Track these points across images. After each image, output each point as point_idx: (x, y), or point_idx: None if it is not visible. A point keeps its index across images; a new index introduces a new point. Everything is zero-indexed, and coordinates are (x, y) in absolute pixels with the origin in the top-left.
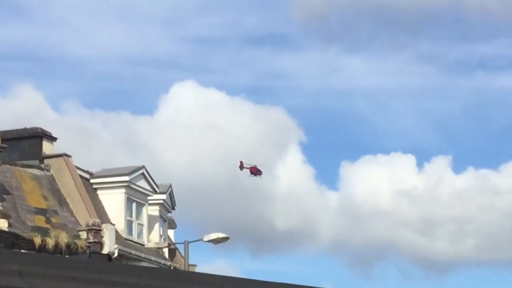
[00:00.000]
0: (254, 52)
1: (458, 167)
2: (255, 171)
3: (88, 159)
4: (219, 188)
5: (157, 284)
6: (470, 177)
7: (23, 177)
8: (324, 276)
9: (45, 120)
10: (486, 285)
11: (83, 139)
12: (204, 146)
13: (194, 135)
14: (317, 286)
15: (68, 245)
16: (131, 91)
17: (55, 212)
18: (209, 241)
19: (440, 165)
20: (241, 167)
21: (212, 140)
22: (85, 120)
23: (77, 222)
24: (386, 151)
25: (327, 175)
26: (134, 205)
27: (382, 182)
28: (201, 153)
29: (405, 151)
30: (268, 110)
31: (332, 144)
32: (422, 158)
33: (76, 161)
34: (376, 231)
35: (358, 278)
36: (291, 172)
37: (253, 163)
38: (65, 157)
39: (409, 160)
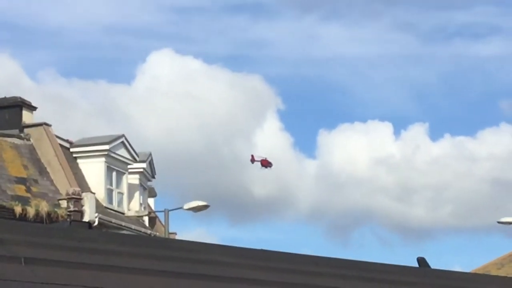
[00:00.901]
0: (232, 21)
1: (435, 135)
2: (266, 164)
3: (65, 127)
4: (198, 156)
5: (138, 251)
6: (447, 144)
7: (3, 147)
8: (302, 243)
9: (22, 89)
10: (463, 251)
11: (61, 107)
12: (182, 114)
13: (171, 103)
14: (295, 252)
15: (48, 214)
16: (109, 60)
17: (35, 181)
18: (189, 209)
19: (417, 132)
20: (252, 160)
21: (190, 108)
22: (62, 88)
23: (57, 191)
24: (364, 119)
25: (305, 143)
26: (114, 173)
27: (359, 150)
28: (179, 121)
29: (382, 119)
30: (246, 78)
31: (310, 112)
32: (399, 126)
33: (54, 130)
34: (354, 198)
35: (336, 245)
36: (269, 139)
37: (263, 156)
38: (45, 126)
39: (386, 128)
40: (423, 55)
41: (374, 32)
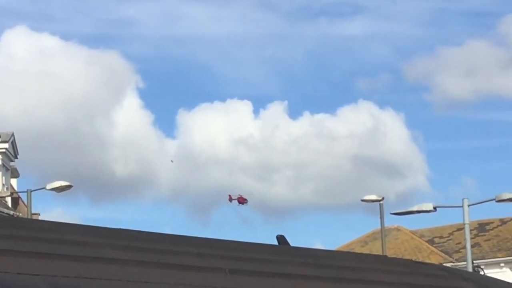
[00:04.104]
0: (96, 0)
1: (294, 113)
2: (242, 200)
3: None
4: (59, 135)
5: None
6: (306, 123)
7: None
8: (163, 223)
9: None
10: (326, 229)
11: None
12: (41, 93)
13: (29, 82)
14: (156, 231)
15: None
16: None
17: None
18: (52, 189)
19: (276, 111)
20: (230, 199)
21: (48, 86)
22: None
23: None
24: (224, 99)
25: (166, 123)
26: None
27: (219, 130)
28: (38, 100)
29: (242, 98)
30: (103, 56)
31: (171, 91)
32: (259, 104)
33: None
34: (214, 178)
35: (197, 224)
36: (128, 117)
37: (238, 194)
38: None
39: (246, 107)
40: (288, 35)
41: (238, 11)
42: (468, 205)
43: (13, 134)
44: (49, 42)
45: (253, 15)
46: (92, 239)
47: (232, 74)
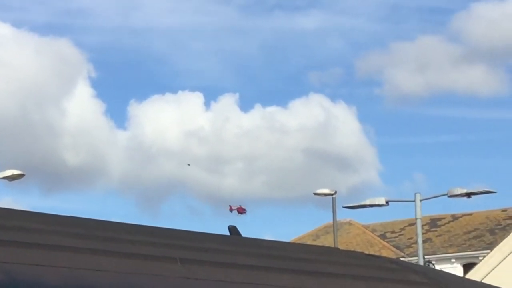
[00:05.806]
0: None
1: (245, 105)
2: (242, 210)
3: None
4: (10, 123)
5: None
6: (257, 115)
7: None
8: (113, 213)
9: None
10: (278, 222)
11: None
12: None
13: None
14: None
15: None
16: None
17: None
18: (4, 178)
19: (227, 103)
20: (231, 209)
21: None
22: None
23: None
24: (175, 91)
25: (117, 113)
26: None
27: (170, 121)
28: None
29: (193, 89)
30: (54, 44)
31: (123, 82)
32: (210, 97)
33: None
34: (165, 170)
35: (147, 215)
36: (79, 106)
37: (238, 205)
38: None
39: (197, 99)
40: (243, 27)
41: (193, 3)
42: (420, 200)
43: None
44: (0, 29)
45: (209, 7)
46: (43, 226)
47: (185, 65)
